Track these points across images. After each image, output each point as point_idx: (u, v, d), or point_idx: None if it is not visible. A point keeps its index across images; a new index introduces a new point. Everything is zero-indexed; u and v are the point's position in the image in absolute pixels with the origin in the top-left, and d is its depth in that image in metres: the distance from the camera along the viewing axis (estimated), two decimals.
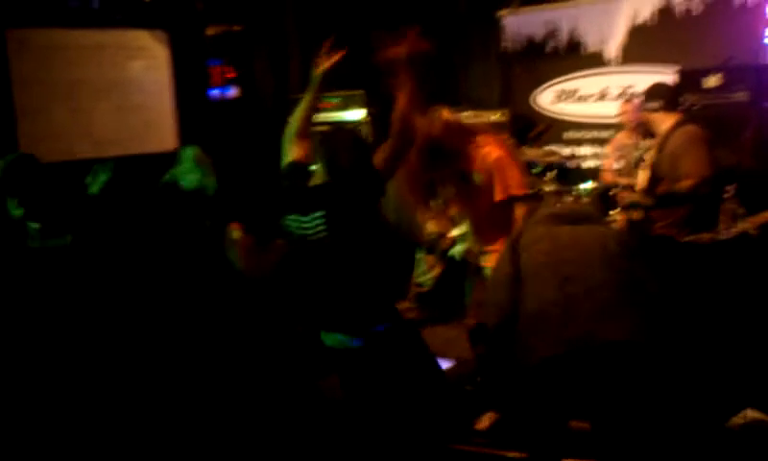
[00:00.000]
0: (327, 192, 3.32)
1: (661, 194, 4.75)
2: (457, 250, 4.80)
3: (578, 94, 7.94)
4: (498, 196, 4.15)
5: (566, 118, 8.02)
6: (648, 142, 5.20)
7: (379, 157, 3.41)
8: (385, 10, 8.21)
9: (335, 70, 3.75)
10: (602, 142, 7.43)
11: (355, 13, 8.24)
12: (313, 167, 3.55)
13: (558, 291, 3.06)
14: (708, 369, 4.38)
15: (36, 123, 6.14)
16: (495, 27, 8.52)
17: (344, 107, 7.36)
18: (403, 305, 5.38)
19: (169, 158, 5.12)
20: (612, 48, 7.70)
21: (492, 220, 4.23)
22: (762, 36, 6.60)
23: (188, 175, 4.78)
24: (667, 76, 6.37)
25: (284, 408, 4.13)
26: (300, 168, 3.47)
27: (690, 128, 4.81)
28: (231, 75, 8.17)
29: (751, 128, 5.58)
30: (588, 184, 6.21)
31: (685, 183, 4.65)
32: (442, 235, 5.31)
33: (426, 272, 5.54)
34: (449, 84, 8.76)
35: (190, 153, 4.94)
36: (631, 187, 5.07)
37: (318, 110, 3.75)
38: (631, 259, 3.17)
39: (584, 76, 7.91)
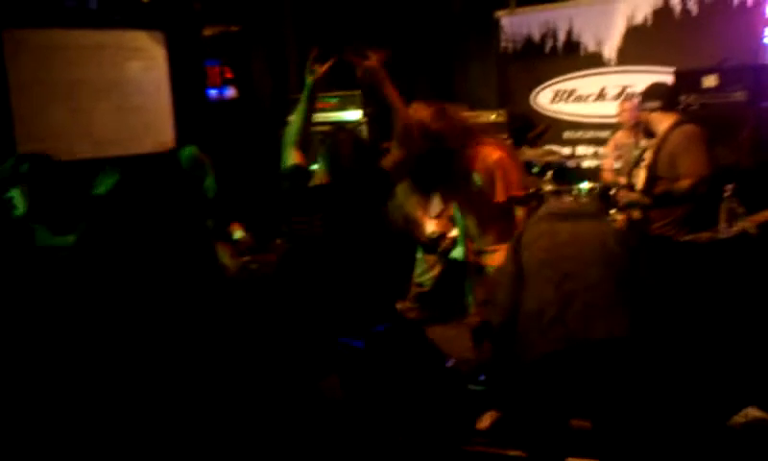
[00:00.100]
0: (328, 193, 3.32)
1: (660, 193, 4.75)
2: (458, 251, 4.80)
3: (576, 94, 7.95)
4: (499, 197, 4.15)
5: (565, 118, 8.02)
6: (647, 142, 5.20)
7: (389, 160, 3.42)
8: (382, 10, 8.22)
9: (332, 71, 3.77)
10: (600, 142, 7.44)
11: (352, 14, 8.25)
12: (314, 167, 3.55)
13: (557, 288, 3.07)
14: (709, 368, 4.38)
15: (35, 123, 6.13)
16: (493, 27, 8.53)
17: (341, 107, 7.35)
18: (403, 305, 5.37)
19: (167, 158, 5.14)
20: (610, 48, 7.71)
21: (492, 220, 4.22)
22: (760, 36, 6.62)
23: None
24: (665, 76, 6.38)
25: (285, 409, 4.12)
26: (301, 170, 3.47)
27: (689, 127, 4.82)
28: (229, 75, 8.16)
29: (749, 127, 5.57)
30: (586, 184, 6.20)
31: (684, 183, 4.66)
32: (442, 235, 5.31)
33: (426, 272, 5.53)
34: (447, 85, 8.76)
35: (188, 153, 4.95)
36: (630, 187, 5.06)
37: (314, 113, 3.76)
38: (630, 257, 3.18)
39: (582, 76, 7.92)
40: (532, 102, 8.21)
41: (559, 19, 8.08)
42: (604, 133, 7.43)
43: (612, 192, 5.16)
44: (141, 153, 6.52)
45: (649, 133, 5.11)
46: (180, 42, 7.14)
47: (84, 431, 3.42)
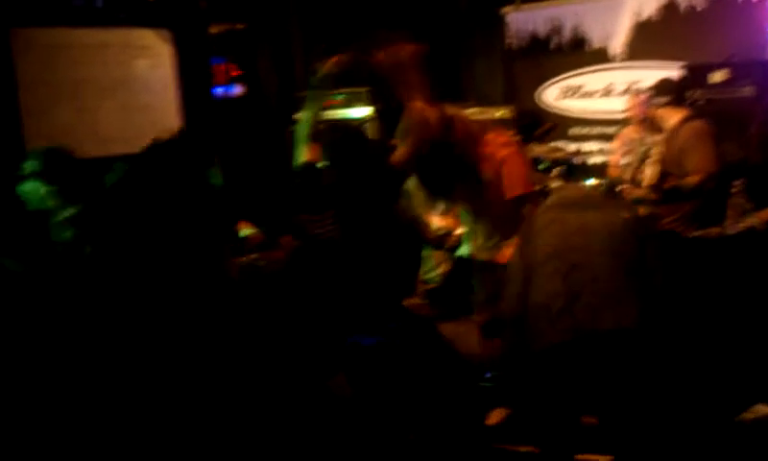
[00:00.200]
0: (338, 192, 3.32)
1: (668, 189, 4.75)
2: (464, 248, 4.79)
3: (583, 90, 7.94)
4: (507, 193, 4.14)
5: (572, 114, 8.01)
6: (655, 137, 5.20)
7: (396, 155, 3.42)
8: (388, 7, 8.21)
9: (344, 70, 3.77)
10: (607, 138, 7.42)
11: (358, 11, 8.24)
12: (322, 165, 3.55)
13: (565, 280, 3.06)
14: (718, 364, 4.38)
15: (42, 122, 6.13)
16: (499, 24, 8.51)
17: (348, 104, 7.34)
18: (412, 302, 5.37)
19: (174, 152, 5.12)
20: (617, 44, 7.69)
21: (499, 216, 4.22)
22: None
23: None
24: (673, 72, 6.36)
25: (294, 408, 4.12)
26: (312, 168, 3.48)
27: (698, 123, 4.82)
28: (235, 73, 8.17)
29: (757, 123, 5.56)
30: (593, 181, 6.20)
31: (692, 179, 4.66)
32: (448, 233, 5.30)
33: (434, 268, 5.53)
34: (454, 82, 8.76)
35: None
36: (638, 183, 5.06)
37: (322, 109, 3.76)
38: (639, 246, 3.16)
39: (588, 72, 7.90)
40: (538, 98, 8.20)
41: (565, 15, 8.07)
42: (611, 130, 7.40)
43: (620, 188, 5.16)
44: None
45: (657, 129, 5.11)
46: (187, 40, 7.14)
47: (95, 427, 3.42)
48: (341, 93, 7.16)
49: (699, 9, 7.14)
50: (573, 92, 8.01)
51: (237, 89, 8.17)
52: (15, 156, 5.84)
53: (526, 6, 8.38)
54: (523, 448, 3.94)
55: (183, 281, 3.71)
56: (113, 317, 3.50)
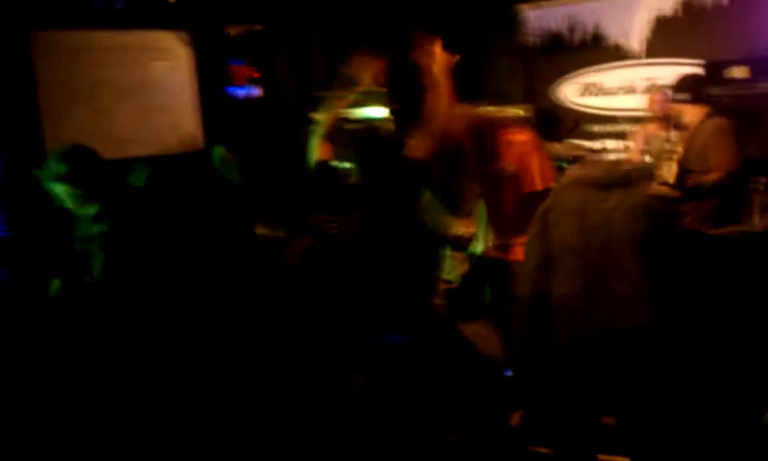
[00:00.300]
0: (364, 192, 3.31)
1: (689, 187, 4.71)
2: (477, 246, 4.78)
3: (602, 87, 7.90)
4: (527, 187, 4.11)
5: (591, 112, 7.97)
6: (677, 134, 5.15)
7: (417, 150, 3.39)
8: (406, 7, 8.19)
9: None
10: (626, 135, 7.38)
11: (376, 12, 8.23)
12: (339, 165, 3.55)
13: (584, 278, 3.02)
14: (741, 363, 4.34)
15: (61, 124, 6.17)
16: (517, 21, 8.49)
17: (365, 103, 7.33)
18: (433, 302, 5.36)
19: (194, 158, 5.15)
20: (637, 41, 7.65)
21: (517, 212, 4.19)
22: None
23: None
24: (693, 68, 6.31)
25: (313, 405, 4.13)
26: (328, 167, 3.47)
27: (719, 120, 4.77)
28: (254, 74, 8.18)
29: None
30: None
31: (713, 176, 4.62)
32: (470, 236, 5.28)
33: (454, 269, 5.51)
34: (472, 80, 8.72)
35: (217, 153, 4.98)
36: (658, 180, 5.02)
37: (346, 114, 3.75)
38: (662, 242, 3.09)
39: (607, 69, 7.86)
40: (556, 96, 8.17)
41: (584, 12, 8.03)
42: (629, 127, 7.37)
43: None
44: (168, 153, 6.54)
45: (679, 126, 5.06)
46: (205, 42, 7.17)
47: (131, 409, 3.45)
48: (358, 93, 7.15)
49: (718, 5, 7.08)
50: (592, 90, 7.97)
51: (255, 91, 8.19)
52: (34, 157, 5.89)
53: (544, 3, 8.35)
54: (543, 450, 3.92)
55: (211, 279, 3.74)
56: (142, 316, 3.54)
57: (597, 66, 7.96)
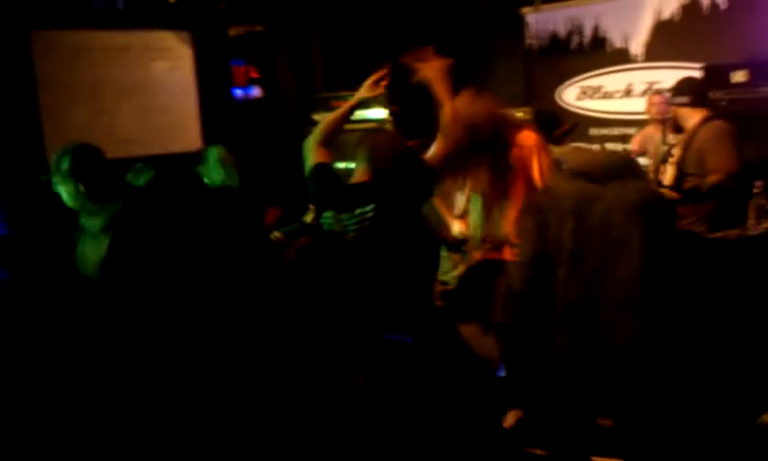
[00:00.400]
0: (376, 188, 3.29)
1: (688, 189, 4.71)
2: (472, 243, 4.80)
3: (602, 91, 7.89)
4: (529, 188, 4.09)
5: (591, 115, 7.96)
6: (675, 137, 5.15)
7: (434, 153, 3.39)
8: (407, 9, 8.21)
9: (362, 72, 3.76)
10: (627, 139, 7.38)
11: (376, 14, 8.25)
12: (339, 166, 3.55)
13: (584, 288, 3.01)
14: (736, 366, 4.33)
15: (61, 124, 6.19)
16: (519, 24, 8.49)
17: (365, 105, 7.33)
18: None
19: (194, 158, 5.16)
20: (637, 44, 7.64)
21: (516, 212, 4.17)
22: None
23: (213, 173, 4.83)
24: (693, 72, 6.31)
25: (319, 404, 4.13)
26: (327, 168, 3.47)
27: (718, 123, 4.77)
28: (254, 75, 8.20)
29: None
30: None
31: (712, 179, 4.62)
32: (466, 238, 5.28)
33: (451, 270, 5.51)
34: (473, 82, 8.72)
35: (215, 152, 4.99)
36: (658, 183, 5.01)
37: (346, 119, 3.74)
38: (659, 242, 3.06)
39: (608, 72, 7.85)
40: (558, 99, 8.16)
41: (584, 15, 8.02)
42: (630, 130, 7.36)
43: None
44: (168, 153, 6.55)
45: (678, 129, 5.06)
46: (206, 42, 7.18)
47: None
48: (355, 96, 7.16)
49: (721, 8, 7.08)
50: (593, 92, 7.96)
51: (256, 91, 8.20)
52: (34, 156, 5.91)
53: (546, 6, 8.34)
54: (539, 452, 3.92)
55: (217, 278, 3.74)
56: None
57: (598, 70, 7.95)
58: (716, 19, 7.10)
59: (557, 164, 3.19)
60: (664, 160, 5.13)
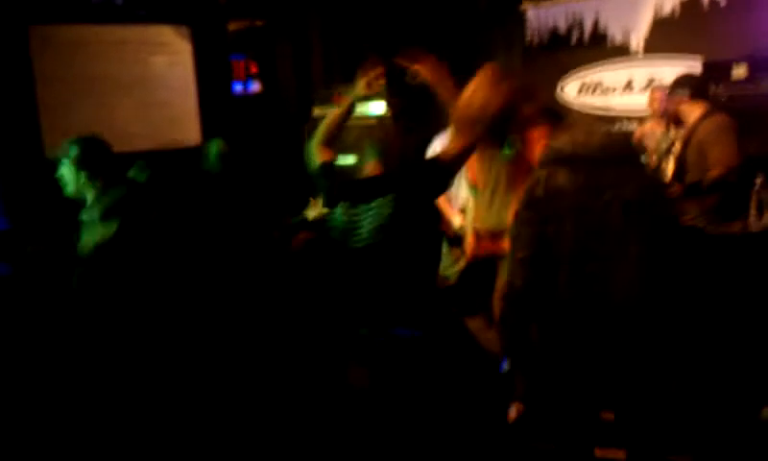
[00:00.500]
0: (394, 180, 3.27)
1: (690, 184, 4.70)
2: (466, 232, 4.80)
3: (603, 86, 7.89)
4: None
5: (592, 110, 7.96)
6: (677, 131, 5.14)
7: (448, 150, 3.37)
8: (407, 5, 8.19)
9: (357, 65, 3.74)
10: (627, 134, 7.37)
11: (377, 8, 8.23)
12: (345, 162, 3.54)
13: (584, 292, 2.97)
14: (739, 361, 4.33)
15: (59, 119, 6.16)
16: (519, 19, 8.48)
17: (365, 101, 7.32)
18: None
19: (193, 153, 5.15)
20: (637, 39, 7.63)
21: (513, 203, 4.15)
22: None
23: (213, 167, 4.83)
24: (693, 67, 6.31)
25: (314, 400, 4.12)
26: (332, 167, 3.46)
27: (718, 117, 4.76)
28: (254, 70, 8.18)
29: None
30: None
31: (713, 173, 4.60)
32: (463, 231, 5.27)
33: (452, 265, 5.50)
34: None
35: (215, 146, 4.98)
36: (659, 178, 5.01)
37: (347, 117, 3.72)
38: (661, 239, 3.02)
39: (608, 68, 7.85)
40: (558, 94, 8.16)
41: (585, 10, 8.02)
42: (631, 125, 7.36)
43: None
44: (167, 148, 6.54)
45: (679, 123, 5.05)
46: (206, 37, 7.15)
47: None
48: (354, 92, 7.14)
49: (721, 3, 7.07)
50: (593, 88, 7.96)
51: (255, 86, 8.18)
52: (33, 152, 5.89)
53: (546, 1, 8.33)
54: (541, 445, 3.91)
55: (215, 272, 3.73)
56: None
57: (599, 65, 7.95)
58: (716, 14, 7.09)
59: (557, 157, 3.13)
60: (666, 155, 5.13)
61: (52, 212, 4.05)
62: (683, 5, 7.32)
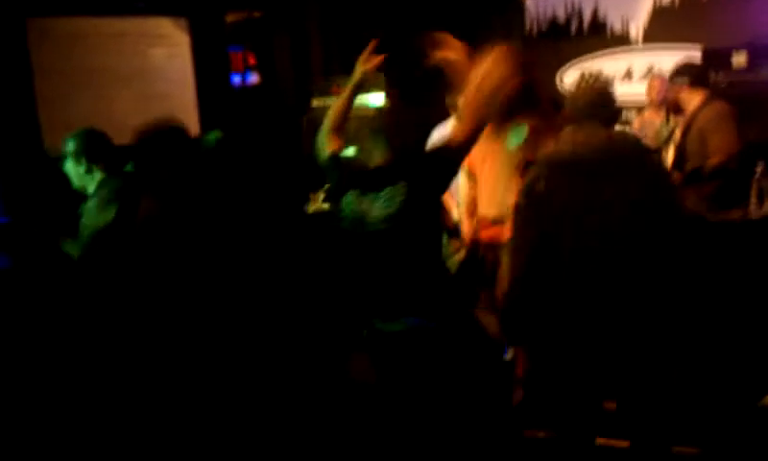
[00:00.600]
0: (404, 167, 3.26)
1: (690, 171, 4.69)
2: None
3: (602, 74, 7.86)
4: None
5: None
6: (677, 120, 5.13)
7: (455, 135, 3.35)
8: None
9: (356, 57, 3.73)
10: (627, 122, 7.36)
11: None
12: (351, 153, 3.52)
13: (586, 274, 2.97)
14: (739, 349, 4.33)
15: (58, 112, 6.15)
16: (518, 8, 8.47)
17: (365, 86, 7.30)
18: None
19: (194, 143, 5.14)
20: (637, 27, 7.63)
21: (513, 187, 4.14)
22: None
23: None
24: (693, 55, 6.30)
25: (314, 393, 4.12)
26: (341, 158, 3.45)
27: (718, 105, 4.75)
28: (252, 61, 8.16)
29: None
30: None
31: (713, 160, 4.59)
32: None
33: (451, 255, 5.48)
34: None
35: (214, 137, 4.97)
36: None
37: (351, 103, 3.71)
38: (663, 235, 3.02)
39: (608, 56, 7.84)
40: (558, 83, 8.15)
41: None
42: (630, 114, 7.35)
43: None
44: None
45: (678, 111, 5.04)
46: (204, 29, 7.13)
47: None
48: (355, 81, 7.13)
49: None
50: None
51: (253, 78, 8.17)
52: (32, 144, 5.89)
53: None
54: (541, 434, 3.92)
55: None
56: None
57: (598, 53, 7.94)
58: (715, 3, 7.08)
59: (559, 155, 3.12)
60: (667, 142, 5.12)
61: (52, 205, 4.05)
62: None
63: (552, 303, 3.03)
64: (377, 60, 3.63)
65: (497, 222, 4.36)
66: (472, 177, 4.66)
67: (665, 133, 5.27)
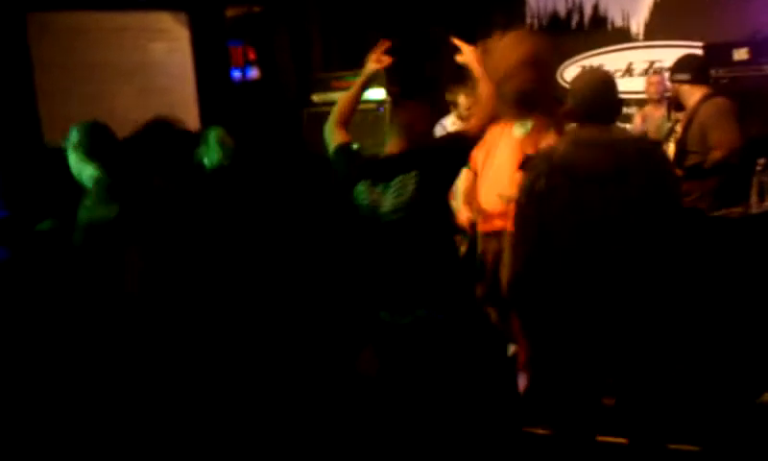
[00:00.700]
0: (417, 156, 3.26)
1: (691, 166, 4.68)
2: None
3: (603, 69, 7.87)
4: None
5: None
6: (679, 115, 5.13)
7: (472, 125, 3.36)
8: None
9: (361, 52, 3.74)
10: (628, 118, 7.36)
11: None
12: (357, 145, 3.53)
13: (585, 273, 2.96)
14: (739, 345, 4.33)
15: (58, 106, 6.14)
16: (519, 3, 8.45)
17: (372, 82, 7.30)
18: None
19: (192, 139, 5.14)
20: (638, 23, 7.62)
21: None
22: None
23: (212, 154, 4.83)
24: (693, 50, 6.29)
25: (322, 387, 4.13)
26: (350, 148, 3.45)
27: (719, 100, 4.74)
28: (252, 56, 8.16)
29: None
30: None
31: (715, 155, 4.59)
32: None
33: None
34: None
35: (215, 133, 4.97)
36: None
37: (360, 97, 3.72)
38: (663, 234, 3.01)
39: (609, 51, 7.83)
40: (558, 78, 8.13)
41: None
42: (631, 109, 7.34)
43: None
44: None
45: (680, 107, 5.03)
46: (204, 23, 7.12)
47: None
48: (356, 75, 7.12)
49: None
50: None
51: (253, 72, 8.16)
52: (32, 139, 5.88)
53: None
54: (540, 431, 3.92)
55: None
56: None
57: (598, 49, 7.94)
58: None
59: (560, 154, 3.11)
60: (668, 138, 5.11)
61: (51, 199, 4.04)
62: None
63: (552, 298, 3.03)
64: (389, 60, 3.66)
65: (501, 213, 4.37)
66: (471, 167, 4.69)
67: (666, 128, 5.27)
